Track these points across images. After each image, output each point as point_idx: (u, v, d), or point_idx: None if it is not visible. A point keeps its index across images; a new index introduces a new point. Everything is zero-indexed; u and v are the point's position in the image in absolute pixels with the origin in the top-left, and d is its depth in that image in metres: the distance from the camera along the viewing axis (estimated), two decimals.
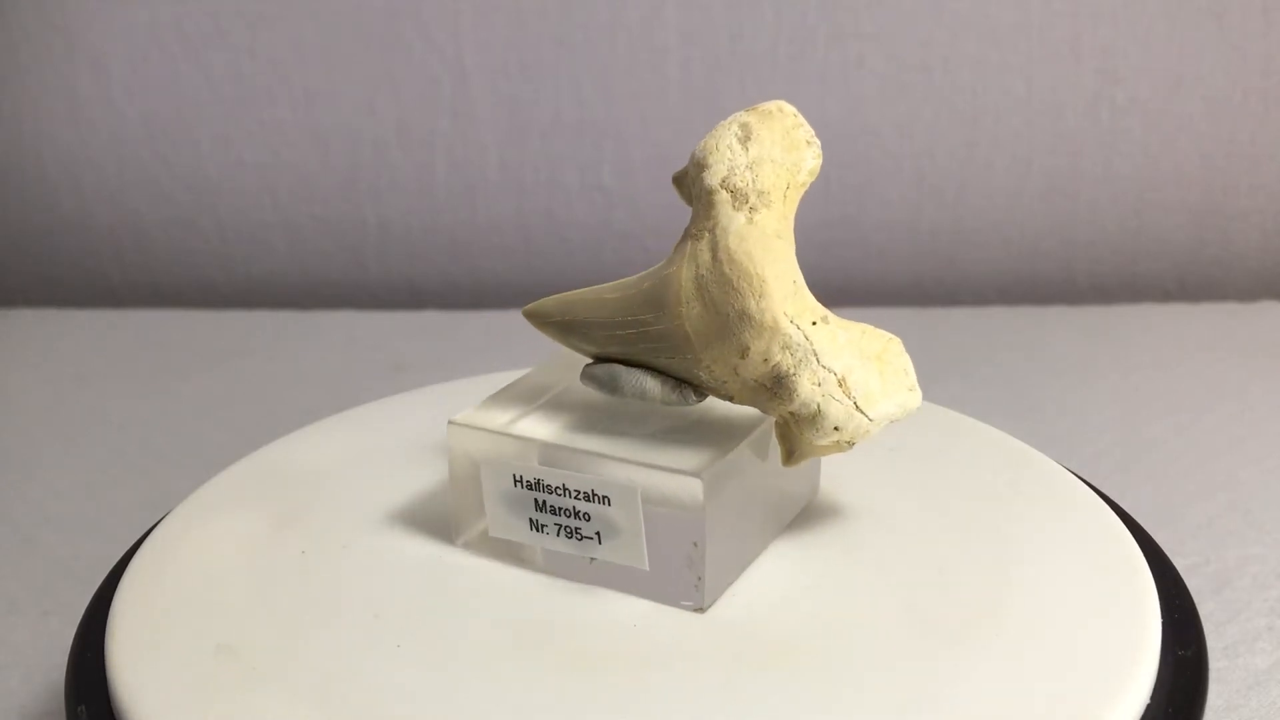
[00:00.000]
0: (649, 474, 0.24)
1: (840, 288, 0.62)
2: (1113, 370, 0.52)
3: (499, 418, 0.26)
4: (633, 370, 0.26)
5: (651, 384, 0.26)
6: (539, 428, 0.26)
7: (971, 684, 0.22)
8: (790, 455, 0.25)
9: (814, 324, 0.24)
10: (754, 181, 0.24)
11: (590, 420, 0.26)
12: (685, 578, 0.24)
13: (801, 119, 0.25)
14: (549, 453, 0.25)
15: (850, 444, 0.24)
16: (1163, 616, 0.24)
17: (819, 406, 0.24)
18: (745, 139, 0.25)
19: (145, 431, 0.48)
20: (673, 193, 0.62)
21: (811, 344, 0.24)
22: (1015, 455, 0.31)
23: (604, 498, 0.24)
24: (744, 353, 0.24)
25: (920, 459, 0.30)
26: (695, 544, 0.24)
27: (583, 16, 0.59)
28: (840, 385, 0.24)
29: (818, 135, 0.25)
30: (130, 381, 0.53)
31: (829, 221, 0.61)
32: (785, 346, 0.24)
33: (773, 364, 0.24)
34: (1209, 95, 0.59)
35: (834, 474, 0.29)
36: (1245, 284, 0.62)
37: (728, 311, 0.24)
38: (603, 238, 0.62)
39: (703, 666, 0.23)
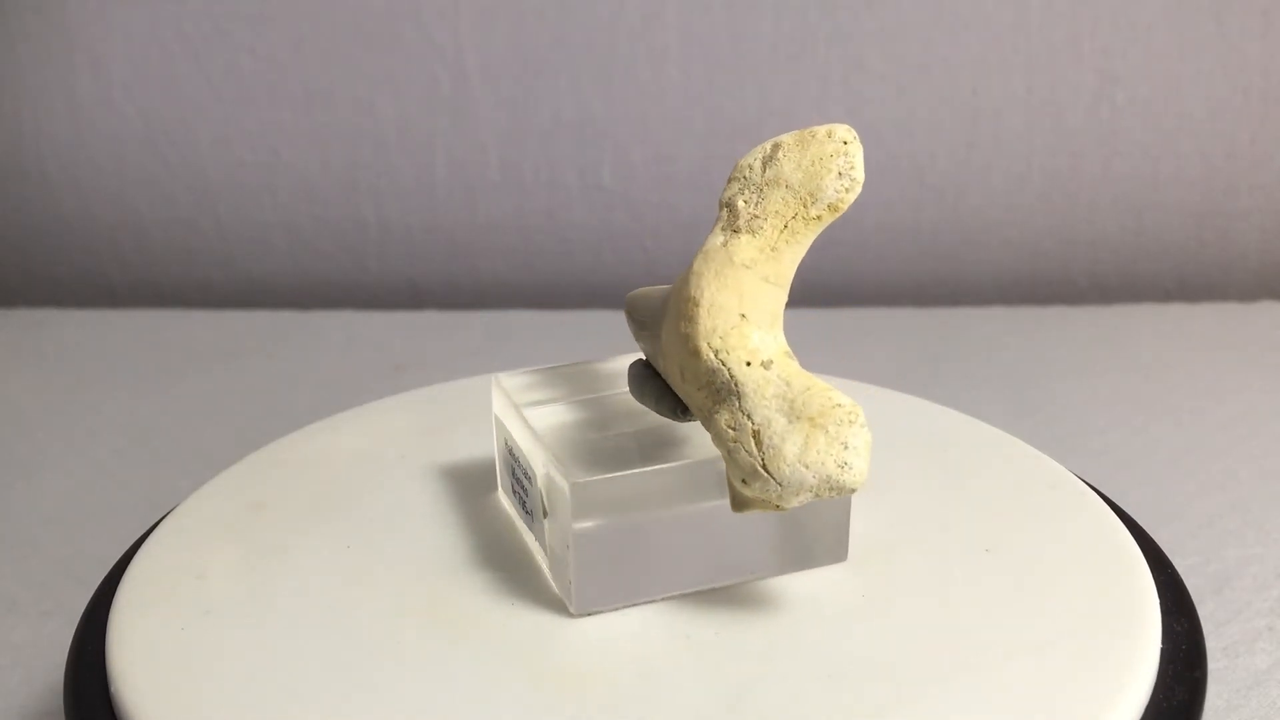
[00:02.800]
0: (550, 469, 0.24)
1: (840, 288, 0.62)
2: (1113, 370, 0.52)
3: (525, 387, 0.28)
4: (643, 374, 0.26)
5: (648, 390, 0.26)
6: (543, 405, 0.27)
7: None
8: (733, 499, 0.23)
9: (748, 365, 0.22)
10: (756, 205, 0.23)
11: (597, 413, 0.27)
12: (565, 579, 0.24)
13: (849, 149, 0.23)
14: (518, 427, 0.26)
15: (773, 504, 0.22)
16: (1162, 617, 0.24)
17: (729, 452, 0.22)
18: (769, 160, 0.24)
19: (145, 431, 0.48)
20: (672, 193, 0.63)
21: (735, 385, 0.22)
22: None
23: (531, 478, 0.25)
24: (682, 374, 0.23)
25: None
26: (568, 547, 0.24)
27: (583, 16, 0.59)
28: (753, 437, 0.22)
29: None
30: (130, 381, 0.53)
31: None
32: (709, 380, 0.22)
33: (704, 393, 0.23)
34: (1209, 95, 0.59)
35: None
36: (1245, 284, 0.62)
37: (675, 330, 0.23)
38: (603, 238, 0.62)
39: (511, 665, 0.23)
